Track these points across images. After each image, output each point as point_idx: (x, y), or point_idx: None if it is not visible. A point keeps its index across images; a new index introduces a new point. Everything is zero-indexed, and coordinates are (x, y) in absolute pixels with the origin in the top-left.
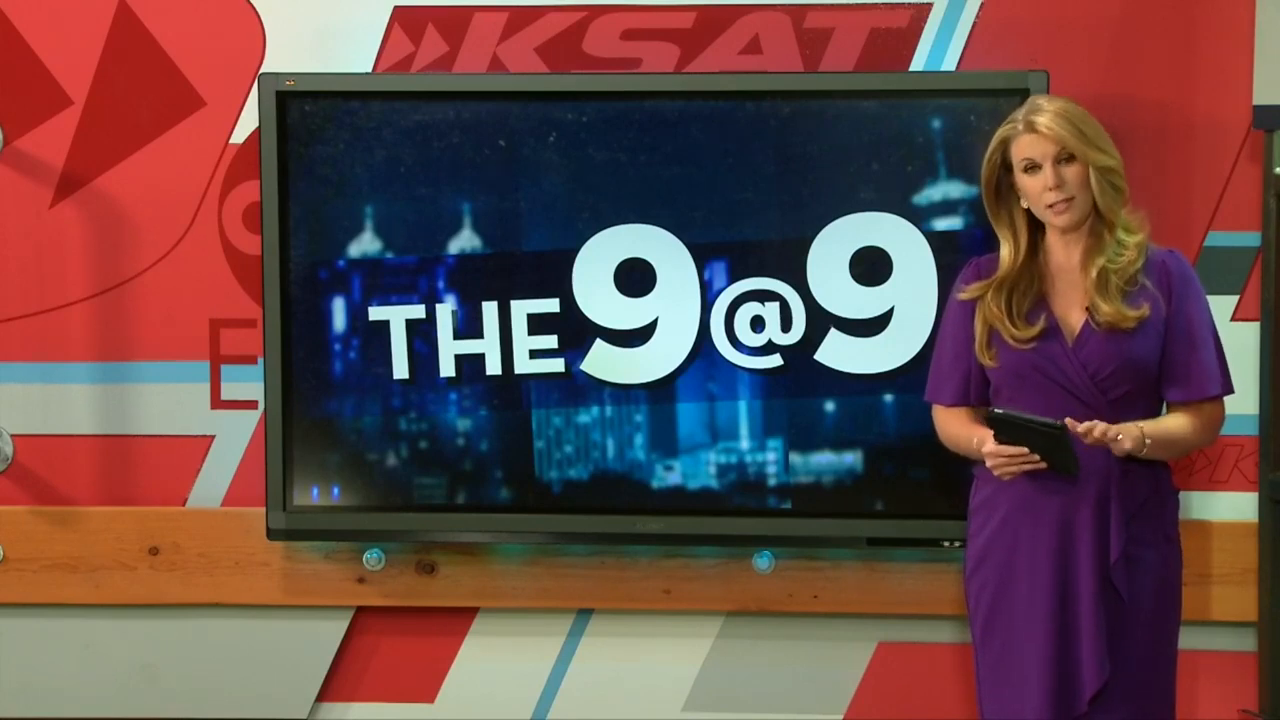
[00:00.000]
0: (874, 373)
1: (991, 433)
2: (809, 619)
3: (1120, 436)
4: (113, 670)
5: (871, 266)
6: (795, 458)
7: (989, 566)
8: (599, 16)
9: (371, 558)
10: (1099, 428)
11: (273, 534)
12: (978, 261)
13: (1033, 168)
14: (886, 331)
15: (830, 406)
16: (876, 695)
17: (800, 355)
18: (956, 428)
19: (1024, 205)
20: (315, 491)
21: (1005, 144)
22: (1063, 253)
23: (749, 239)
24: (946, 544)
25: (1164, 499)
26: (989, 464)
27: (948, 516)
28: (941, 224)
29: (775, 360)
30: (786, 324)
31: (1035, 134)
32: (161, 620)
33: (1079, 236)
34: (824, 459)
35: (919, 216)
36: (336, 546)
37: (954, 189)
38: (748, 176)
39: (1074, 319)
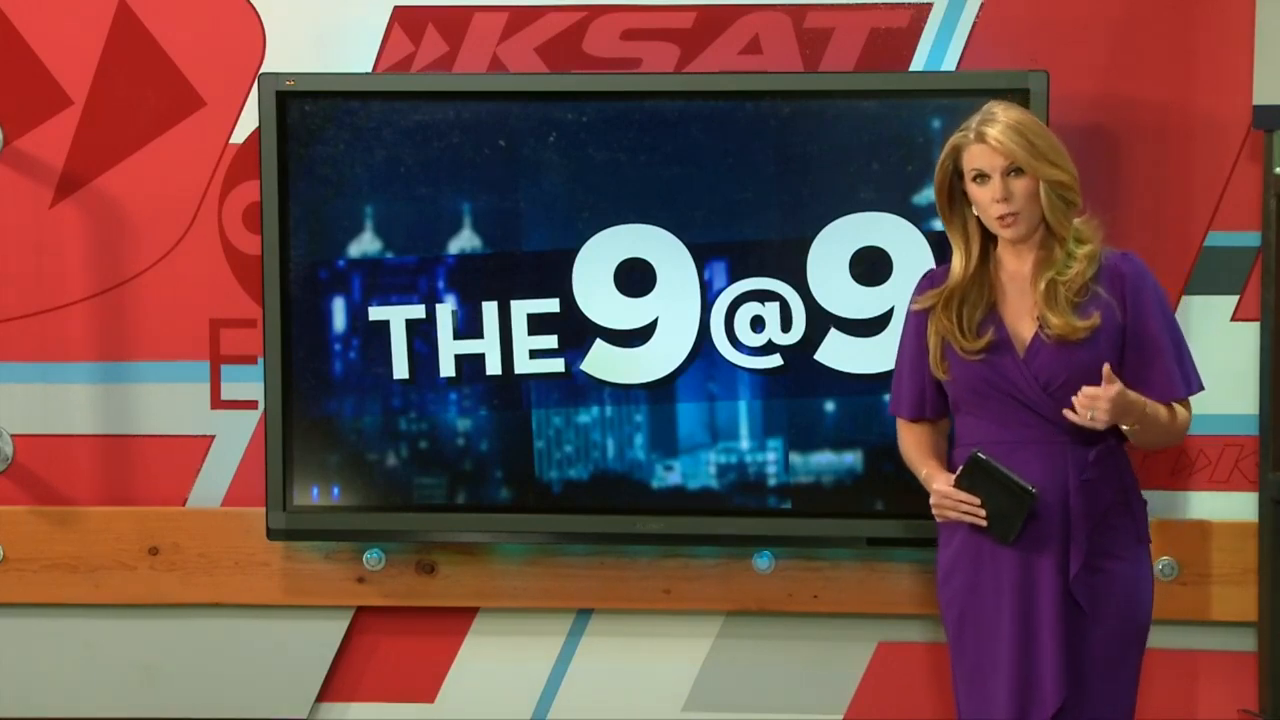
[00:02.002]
0: (874, 373)
1: (940, 470)
2: (809, 619)
3: (1100, 411)
4: (113, 670)
5: (871, 266)
6: (795, 458)
7: (957, 577)
8: (599, 16)
9: (371, 558)
10: (1083, 400)
11: (273, 534)
12: (932, 272)
13: (981, 178)
14: (886, 331)
15: (830, 406)
16: (876, 695)
17: (800, 355)
18: (912, 451)
19: (975, 213)
20: (315, 491)
21: (957, 151)
22: (1014, 262)
23: (749, 239)
24: None
25: (1130, 509)
26: (932, 500)
27: None
28: (941, 224)
29: (775, 360)
30: (786, 324)
31: (984, 145)
32: (161, 620)
33: (1030, 247)
34: (824, 459)
35: (919, 216)
36: (336, 546)
37: None
38: (748, 176)
39: (1025, 330)
